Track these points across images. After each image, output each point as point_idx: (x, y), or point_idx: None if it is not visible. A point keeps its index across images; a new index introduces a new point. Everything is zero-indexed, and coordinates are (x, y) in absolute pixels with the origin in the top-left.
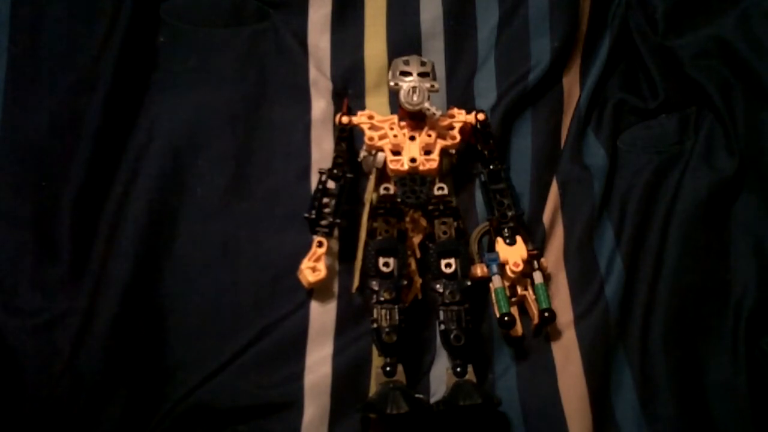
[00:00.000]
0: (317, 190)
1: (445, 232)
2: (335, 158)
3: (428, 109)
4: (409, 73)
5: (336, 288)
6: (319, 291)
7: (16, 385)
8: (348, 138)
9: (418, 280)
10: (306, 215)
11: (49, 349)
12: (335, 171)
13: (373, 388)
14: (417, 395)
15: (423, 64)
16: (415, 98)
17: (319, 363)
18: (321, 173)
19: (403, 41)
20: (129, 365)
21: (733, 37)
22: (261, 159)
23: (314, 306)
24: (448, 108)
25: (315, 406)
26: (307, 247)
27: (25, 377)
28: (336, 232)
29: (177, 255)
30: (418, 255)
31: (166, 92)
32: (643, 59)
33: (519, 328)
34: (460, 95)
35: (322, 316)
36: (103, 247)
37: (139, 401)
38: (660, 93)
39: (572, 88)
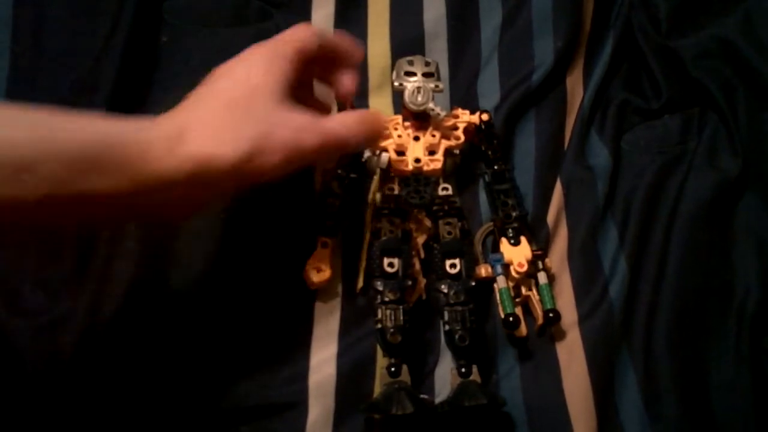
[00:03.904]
0: (321, 190)
1: (449, 233)
2: (339, 158)
3: (432, 110)
4: (414, 74)
5: (340, 288)
6: (323, 291)
7: (19, 384)
8: None
9: (422, 281)
10: (310, 215)
11: (52, 349)
12: (339, 171)
13: (378, 389)
14: (422, 396)
15: (427, 64)
16: (419, 98)
17: (323, 363)
18: (325, 173)
19: (407, 41)
20: (132, 365)
21: (735, 38)
22: None
23: (318, 306)
24: (452, 108)
25: (319, 407)
26: (311, 247)
27: (27, 377)
28: (339, 233)
29: (180, 255)
30: (422, 255)
31: (168, 92)
32: (646, 59)
33: (523, 329)
34: (463, 95)
35: (326, 316)
36: (106, 247)
37: (141, 401)
38: (663, 93)
39: (575, 89)
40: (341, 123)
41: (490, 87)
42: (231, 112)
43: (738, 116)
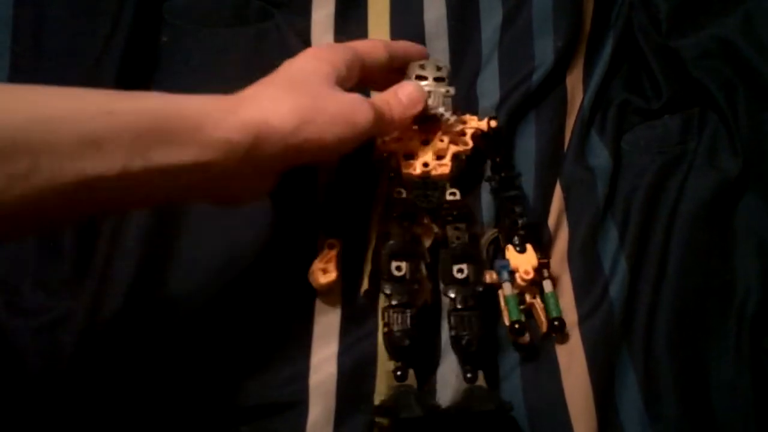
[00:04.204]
0: (328, 191)
1: (458, 238)
2: (341, 160)
3: (442, 114)
4: (425, 78)
5: (341, 289)
6: (325, 291)
7: (19, 384)
8: None
9: (428, 285)
10: (314, 215)
11: (52, 349)
12: (346, 172)
13: (379, 390)
14: (430, 401)
15: (438, 69)
16: (431, 103)
17: (324, 362)
18: (331, 174)
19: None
20: (132, 366)
21: (736, 38)
22: None
23: (319, 305)
24: (460, 113)
25: (320, 406)
26: (313, 248)
27: (27, 377)
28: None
29: (181, 254)
30: (428, 260)
31: (169, 92)
32: (646, 59)
33: (527, 336)
34: (464, 95)
35: (327, 316)
36: (107, 247)
37: (141, 401)
38: (663, 93)
39: (575, 89)
40: (386, 95)
41: (490, 87)
42: (284, 89)
43: (738, 116)
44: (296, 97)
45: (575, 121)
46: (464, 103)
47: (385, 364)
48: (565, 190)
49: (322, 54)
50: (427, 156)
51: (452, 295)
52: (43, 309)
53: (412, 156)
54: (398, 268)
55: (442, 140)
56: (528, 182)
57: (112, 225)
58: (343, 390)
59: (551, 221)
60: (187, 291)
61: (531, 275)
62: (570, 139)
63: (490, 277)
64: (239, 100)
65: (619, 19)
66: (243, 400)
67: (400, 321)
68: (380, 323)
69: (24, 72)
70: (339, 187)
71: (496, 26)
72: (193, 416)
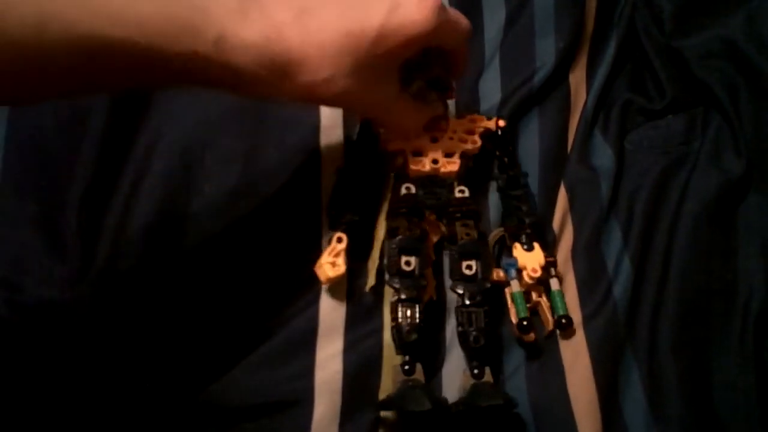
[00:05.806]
0: (337, 186)
1: (467, 234)
2: (352, 155)
3: None
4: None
5: (346, 285)
6: (330, 288)
7: (20, 383)
8: (368, 134)
9: (433, 282)
10: (328, 211)
11: (55, 348)
12: (354, 167)
13: (384, 387)
14: (438, 395)
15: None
16: None
17: (329, 359)
18: (340, 169)
19: None
20: (135, 363)
21: (739, 38)
22: (270, 156)
23: (324, 303)
24: (463, 113)
25: (325, 404)
26: (317, 246)
27: (28, 375)
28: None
29: (185, 253)
30: (433, 257)
31: (174, 89)
32: (649, 60)
33: (532, 333)
34: (467, 95)
35: (332, 312)
36: (110, 245)
37: (146, 401)
38: (667, 93)
39: (579, 89)
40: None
41: (492, 87)
42: None
43: (742, 116)
44: None
45: (578, 122)
46: (468, 104)
47: (390, 361)
48: (569, 191)
49: None
50: (436, 153)
51: (460, 291)
52: (45, 306)
53: (420, 153)
54: (407, 263)
55: (451, 138)
56: (532, 183)
57: (114, 223)
58: (349, 387)
59: (555, 221)
60: (190, 289)
61: (539, 273)
62: (573, 140)
63: (497, 275)
64: None
65: (622, 19)
66: (248, 398)
67: (408, 315)
68: (386, 318)
69: None
70: (346, 181)
71: (498, 26)
72: (198, 414)
